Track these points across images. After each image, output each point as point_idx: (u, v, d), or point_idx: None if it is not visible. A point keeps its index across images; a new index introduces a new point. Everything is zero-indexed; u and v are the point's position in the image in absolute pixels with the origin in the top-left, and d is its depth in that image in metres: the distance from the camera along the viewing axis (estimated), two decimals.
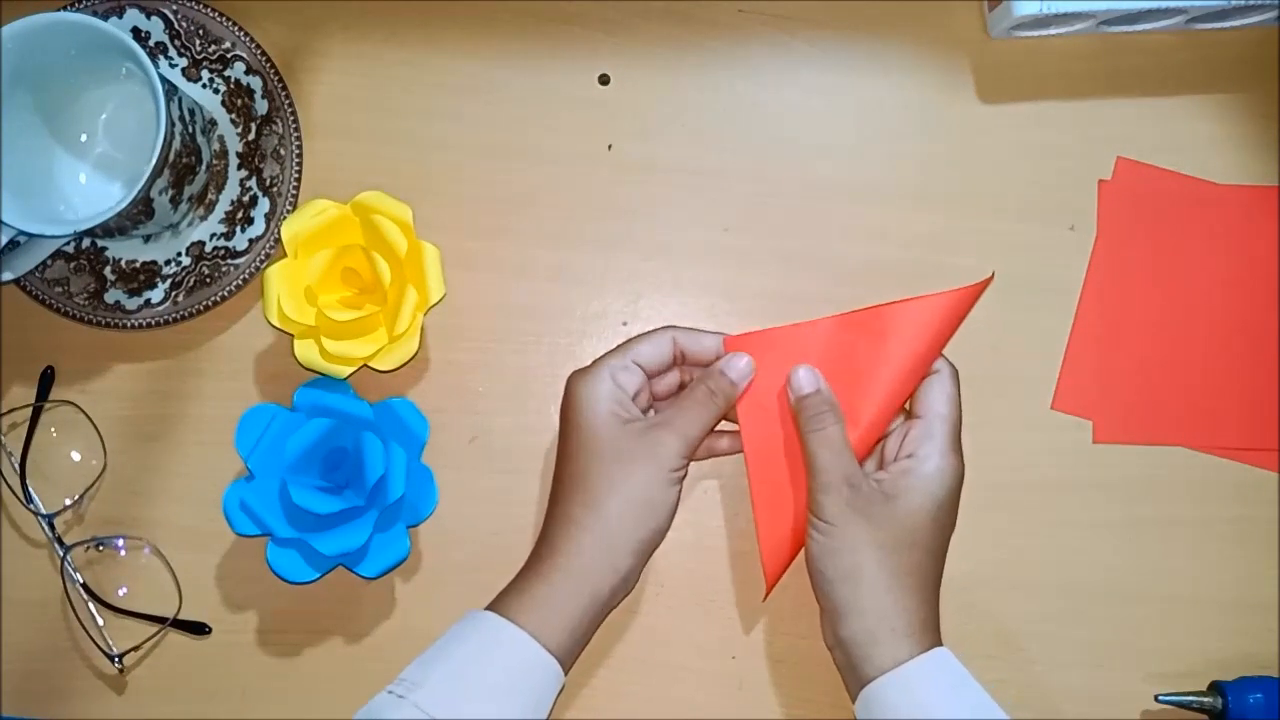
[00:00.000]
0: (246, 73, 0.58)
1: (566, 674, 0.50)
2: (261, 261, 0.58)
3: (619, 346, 0.53)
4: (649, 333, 0.54)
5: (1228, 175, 0.60)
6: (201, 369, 0.58)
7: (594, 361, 0.53)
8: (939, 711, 0.47)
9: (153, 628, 0.56)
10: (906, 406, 0.54)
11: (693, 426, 0.51)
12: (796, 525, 0.53)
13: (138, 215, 0.53)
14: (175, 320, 0.57)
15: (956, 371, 0.53)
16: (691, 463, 0.53)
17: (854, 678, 0.50)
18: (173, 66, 0.58)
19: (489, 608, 0.50)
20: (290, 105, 0.58)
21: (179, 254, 0.58)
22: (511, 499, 0.57)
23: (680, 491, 0.52)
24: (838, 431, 0.51)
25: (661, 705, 0.56)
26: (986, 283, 0.53)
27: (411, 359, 0.55)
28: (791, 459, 0.53)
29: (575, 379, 0.53)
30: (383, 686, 0.48)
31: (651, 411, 0.55)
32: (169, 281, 0.57)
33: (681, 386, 0.55)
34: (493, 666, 0.48)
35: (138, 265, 0.58)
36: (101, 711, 0.56)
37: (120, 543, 0.57)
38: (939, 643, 0.50)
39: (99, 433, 0.57)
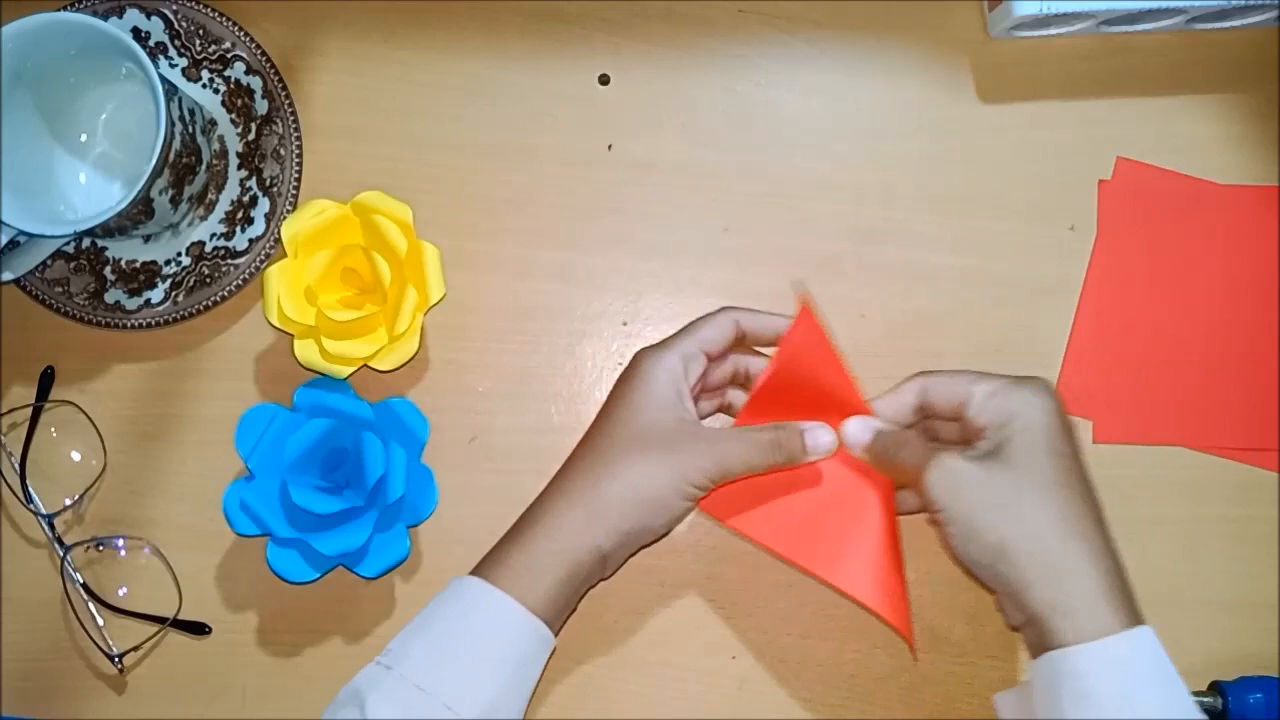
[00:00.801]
0: (246, 73, 0.58)
1: (556, 634, 0.50)
2: (261, 261, 0.58)
3: (686, 330, 0.52)
4: (709, 316, 0.52)
5: (1228, 175, 0.60)
6: (201, 369, 0.58)
7: (665, 342, 0.52)
8: (1148, 712, 0.42)
9: (153, 628, 0.56)
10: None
11: (736, 462, 0.49)
12: (874, 557, 0.51)
13: (138, 215, 0.53)
14: (175, 320, 0.57)
15: (922, 372, 0.52)
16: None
17: (1041, 650, 0.44)
18: (173, 66, 0.58)
19: (473, 573, 0.50)
20: (290, 105, 0.58)
21: (179, 254, 0.58)
22: (511, 499, 0.57)
23: (689, 509, 0.51)
24: (909, 435, 0.50)
25: (661, 705, 0.56)
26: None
27: (411, 359, 0.55)
28: (808, 512, 0.52)
29: (645, 354, 0.51)
30: None
31: (696, 405, 0.53)
32: (169, 281, 0.57)
33: (732, 381, 0.54)
34: (477, 633, 0.48)
35: (138, 265, 0.58)
36: (101, 711, 0.56)
37: (120, 543, 0.57)
38: (1139, 617, 0.44)
39: (99, 433, 0.57)
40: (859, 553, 0.51)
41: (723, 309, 0.53)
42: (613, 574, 0.53)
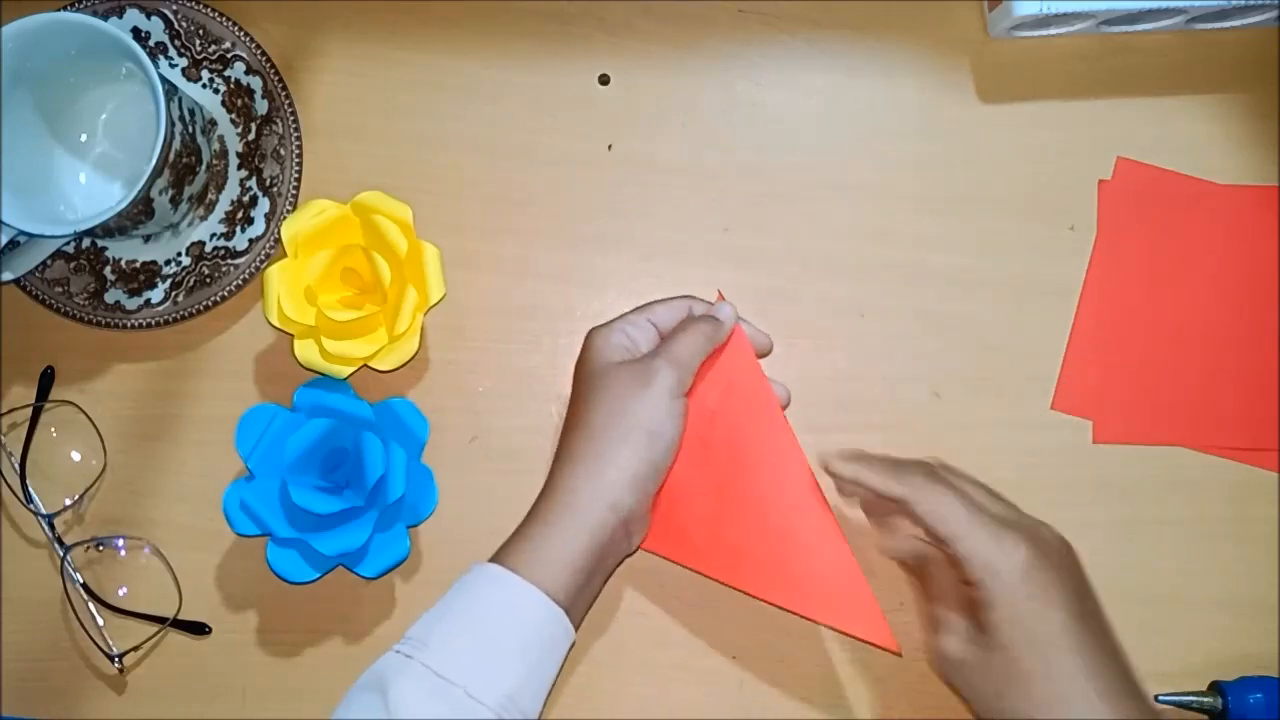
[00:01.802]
0: (246, 73, 0.58)
1: (577, 625, 0.50)
2: (261, 261, 0.58)
3: (637, 307, 0.54)
4: (667, 298, 0.55)
5: (1228, 175, 0.60)
6: (201, 369, 0.58)
7: (613, 319, 0.54)
8: None
9: (153, 628, 0.56)
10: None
11: (683, 351, 0.51)
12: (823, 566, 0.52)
13: (138, 215, 0.53)
14: (175, 320, 0.57)
15: (927, 467, 0.50)
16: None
17: None
18: (173, 66, 0.58)
19: (493, 559, 0.49)
20: (290, 105, 0.58)
21: (179, 254, 0.58)
22: (511, 499, 0.57)
23: (680, 423, 0.51)
24: (945, 572, 0.50)
25: (661, 705, 0.56)
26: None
27: (411, 359, 0.55)
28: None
29: (593, 332, 0.53)
30: None
31: None
32: (169, 281, 0.57)
33: None
34: (498, 621, 0.48)
35: (138, 265, 0.58)
36: (101, 711, 0.56)
37: (120, 543, 0.57)
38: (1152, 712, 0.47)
39: (99, 433, 0.57)
40: (817, 574, 0.52)
41: (683, 295, 0.55)
42: (638, 544, 0.53)
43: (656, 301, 0.54)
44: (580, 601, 0.50)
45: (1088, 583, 0.49)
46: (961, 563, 0.47)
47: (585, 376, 0.52)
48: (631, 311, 0.54)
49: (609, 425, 0.50)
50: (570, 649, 0.50)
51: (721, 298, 0.55)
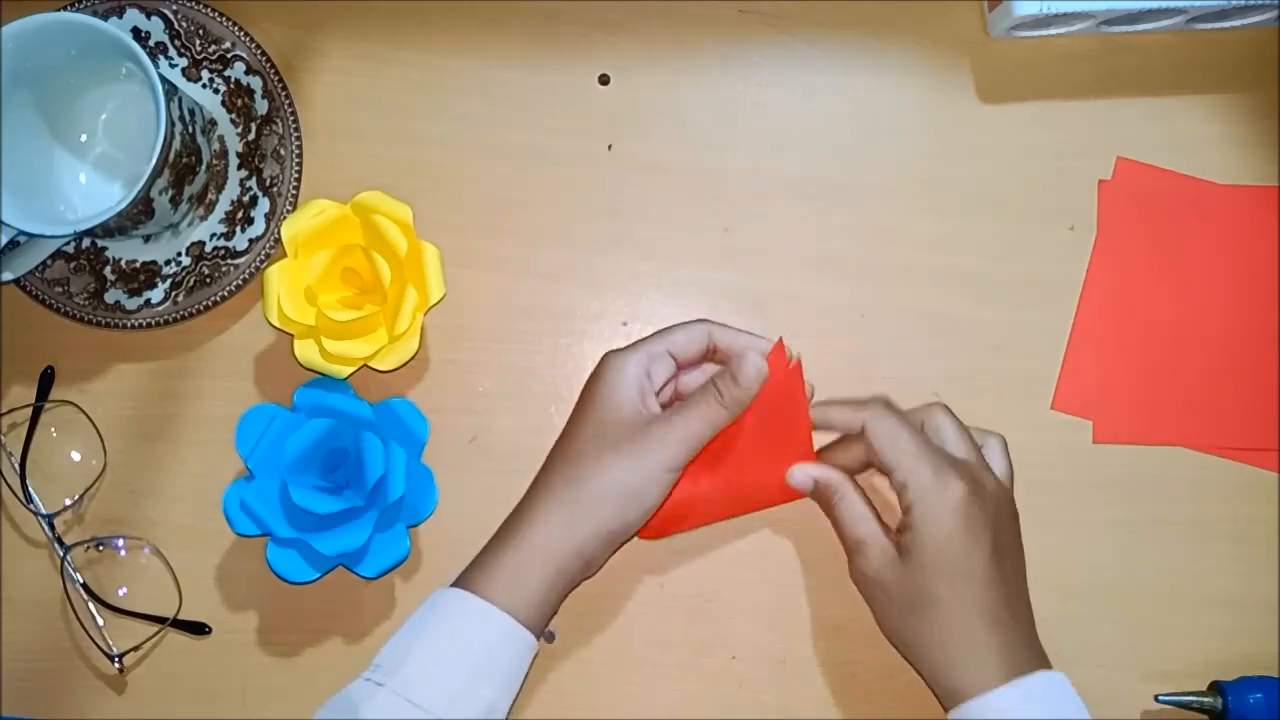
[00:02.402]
0: (246, 73, 0.58)
1: (539, 638, 0.50)
2: (261, 261, 0.58)
3: (657, 333, 0.53)
4: (686, 323, 0.53)
5: (1228, 175, 0.60)
6: (201, 369, 0.58)
7: (632, 345, 0.53)
8: None
9: (153, 628, 0.56)
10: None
11: (695, 429, 0.50)
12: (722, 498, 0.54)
13: (138, 215, 0.53)
14: (175, 320, 0.57)
15: (887, 401, 0.53)
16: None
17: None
18: (173, 66, 0.58)
19: (456, 583, 0.50)
20: (290, 105, 0.58)
21: (179, 254, 0.58)
22: (511, 499, 0.57)
23: (665, 495, 0.51)
24: (845, 505, 0.52)
25: (661, 705, 0.56)
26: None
27: (411, 359, 0.55)
28: (754, 446, 0.53)
29: (611, 357, 0.52)
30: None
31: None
32: (169, 281, 0.57)
33: None
34: (467, 645, 0.48)
35: (138, 265, 0.58)
36: (101, 711, 0.56)
37: (120, 543, 0.57)
38: (1040, 664, 0.49)
39: (99, 433, 0.57)
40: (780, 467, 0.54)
41: (700, 320, 0.54)
42: (595, 573, 0.53)
43: (676, 327, 0.53)
44: (544, 618, 0.51)
45: (1017, 537, 0.53)
46: (899, 488, 0.51)
47: (593, 407, 0.52)
48: (652, 337, 0.53)
49: (598, 474, 0.50)
50: (534, 658, 0.51)
51: (783, 348, 0.52)
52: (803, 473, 0.53)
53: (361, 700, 0.47)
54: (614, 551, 0.52)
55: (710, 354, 0.54)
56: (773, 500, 0.55)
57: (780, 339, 0.52)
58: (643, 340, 0.53)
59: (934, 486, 0.50)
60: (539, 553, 0.50)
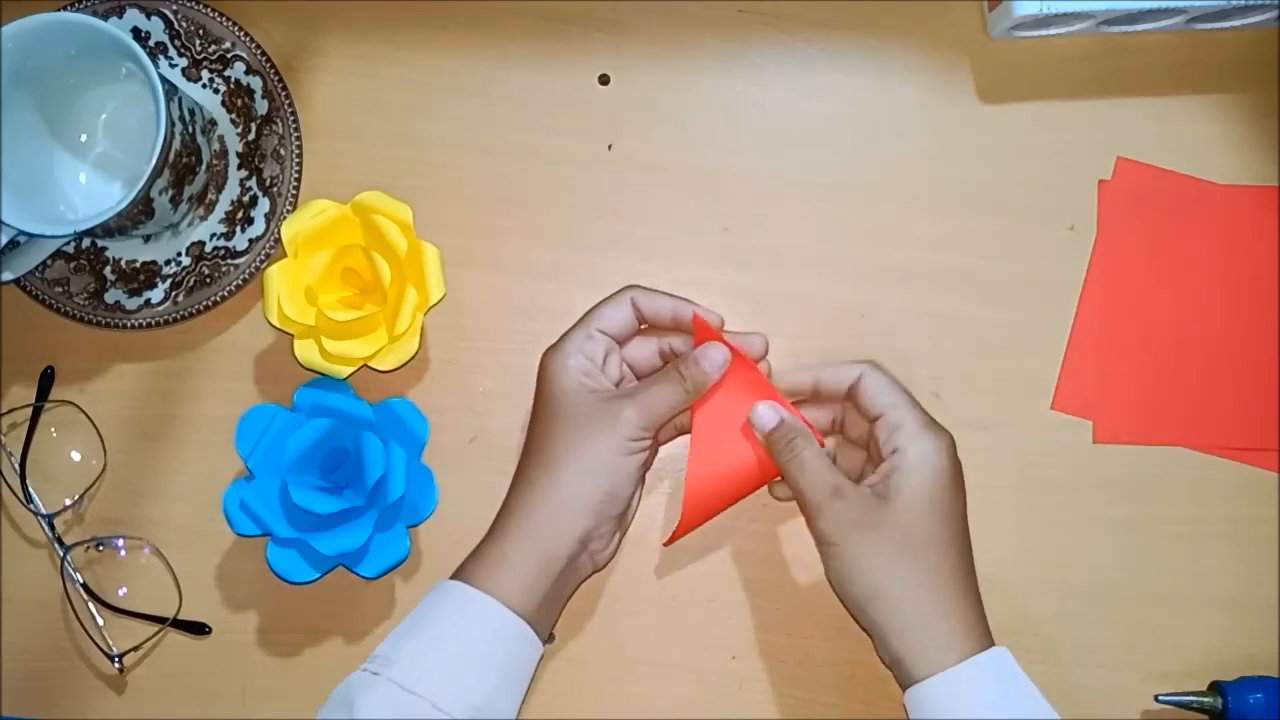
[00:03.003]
0: (246, 73, 0.58)
1: (545, 640, 0.50)
2: (261, 261, 0.58)
3: (583, 317, 0.54)
4: (610, 297, 0.54)
5: (1228, 175, 0.60)
6: (201, 369, 0.58)
7: (562, 336, 0.53)
8: (984, 712, 0.47)
9: (153, 628, 0.56)
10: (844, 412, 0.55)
11: (656, 403, 0.51)
12: (722, 485, 0.53)
13: (138, 215, 0.53)
14: (175, 320, 0.57)
15: (875, 363, 0.53)
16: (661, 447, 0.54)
17: (905, 688, 0.49)
18: (173, 66, 0.58)
19: (454, 576, 0.50)
20: (290, 105, 0.58)
21: (179, 254, 0.58)
22: None
23: (641, 462, 0.52)
24: (811, 453, 0.51)
25: (661, 705, 0.56)
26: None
27: (411, 359, 0.55)
28: (735, 427, 0.53)
29: (546, 354, 0.53)
30: None
31: (629, 383, 0.55)
32: (169, 281, 0.57)
33: (663, 359, 0.55)
34: (462, 634, 0.48)
35: (138, 265, 0.58)
36: (101, 711, 0.56)
37: (120, 543, 0.57)
38: (989, 642, 0.49)
39: (99, 433, 0.57)
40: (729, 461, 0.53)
41: (625, 288, 0.54)
42: (607, 561, 0.53)
43: (600, 304, 0.54)
44: (543, 614, 0.50)
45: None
46: (890, 429, 0.51)
47: (544, 401, 0.52)
48: (577, 326, 0.53)
49: (567, 458, 0.50)
50: (541, 655, 0.50)
51: (699, 321, 0.53)
52: (768, 408, 0.52)
53: (359, 690, 0.47)
54: (615, 532, 0.53)
55: (640, 320, 0.54)
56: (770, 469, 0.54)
57: (695, 313, 0.53)
58: (571, 328, 0.54)
59: (929, 430, 0.50)
60: (528, 539, 0.50)
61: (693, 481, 0.53)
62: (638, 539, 0.57)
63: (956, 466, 0.51)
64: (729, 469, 0.53)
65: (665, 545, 0.56)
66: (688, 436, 0.55)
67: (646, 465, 0.53)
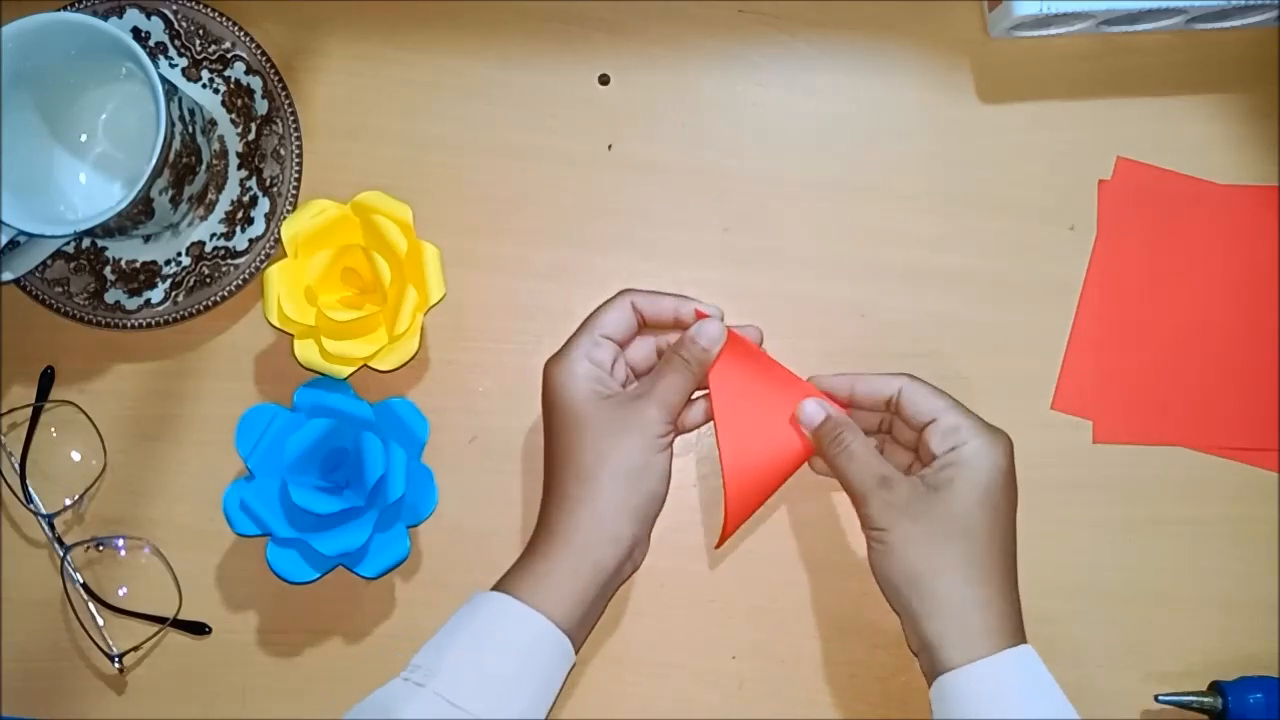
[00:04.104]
0: (246, 73, 0.58)
1: (577, 651, 0.50)
2: (261, 261, 0.58)
3: (584, 324, 0.54)
4: (608, 302, 0.54)
5: (1228, 175, 0.60)
6: (201, 369, 0.58)
7: (565, 344, 0.53)
8: (1013, 711, 0.47)
9: (153, 628, 0.56)
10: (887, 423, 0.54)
11: (671, 393, 0.52)
12: (760, 476, 0.53)
13: (138, 215, 0.53)
14: (175, 320, 0.57)
15: (913, 375, 0.53)
16: (674, 444, 0.53)
17: (932, 676, 0.49)
18: (173, 66, 0.58)
19: (494, 589, 0.50)
20: (290, 105, 0.58)
21: (179, 254, 0.58)
22: (511, 499, 0.57)
23: (670, 457, 0.52)
24: (859, 444, 0.51)
25: (661, 705, 0.56)
26: None
27: (411, 359, 0.55)
28: (760, 418, 0.53)
29: (551, 364, 0.53)
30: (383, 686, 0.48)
31: (632, 384, 0.55)
32: (169, 281, 0.57)
33: (660, 356, 0.55)
34: (506, 647, 0.48)
35: (138, 265, 0.58)
36: (101, 711, 0.56)
37: (120, 543, 0.57)
38: (1021, 639, 0.49)
39: (99, 433, 0.57)
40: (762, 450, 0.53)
41: (621, 292, 0.54)
42: (642, 559, 0.53)
43: (600, 310, 0.54)
44: (582, 628, 0.51)
45: None
46: (947, 431, 0.50)
47: (561, 414, 0.52)
48: (580, 333, 0.53)
49: (602, 464, 0.50)
50: (570, 670, 0.50)
51: (702, 316, 0.53)
52: (814, 404, 0.53)
53: (401, 700, 0.46)
54: (649, 530, 0.53)
55: (641, 323, 0.54)
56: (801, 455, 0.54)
57: (696, 309, 0.53)
58: (573, 335, 0.53)
59: (990, 431, 0.51)
60: (575, 551, 0.50)
61: (731, 478, 0.52)
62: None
63: (1012, 469, 0.51)
64: (763, 460, 0.53)
65: (717, 548, 0.56)
66: (685, 436, 0.55)
67: (671, 461, 0.53)
